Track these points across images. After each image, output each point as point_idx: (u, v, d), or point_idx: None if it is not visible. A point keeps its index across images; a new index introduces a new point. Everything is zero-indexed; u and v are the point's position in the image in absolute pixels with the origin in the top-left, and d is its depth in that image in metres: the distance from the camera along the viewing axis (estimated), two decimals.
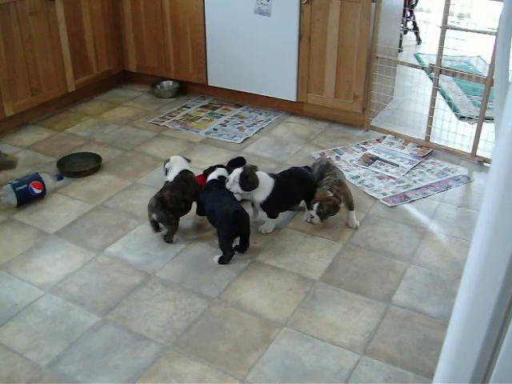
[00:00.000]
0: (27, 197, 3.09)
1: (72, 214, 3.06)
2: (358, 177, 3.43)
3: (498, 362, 1.03)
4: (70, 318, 2.34)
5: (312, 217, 2.88)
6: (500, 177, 0.90)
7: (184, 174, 2.91)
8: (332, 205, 2.84)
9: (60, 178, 3.28)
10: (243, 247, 2.74)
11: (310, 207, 2.90)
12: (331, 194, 2.85)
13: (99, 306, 2.41)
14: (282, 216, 3.02)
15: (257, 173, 2.82)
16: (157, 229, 2.83)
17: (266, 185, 2.82)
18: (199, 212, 2.94)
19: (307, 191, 2.95)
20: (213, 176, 2.89)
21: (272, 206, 2.86)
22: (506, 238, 0.92)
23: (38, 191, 3.12)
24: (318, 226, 2.94)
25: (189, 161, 3.06)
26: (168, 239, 2.82)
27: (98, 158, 3.56)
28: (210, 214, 2.76)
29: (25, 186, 3.07)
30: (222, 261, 2.68)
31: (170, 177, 2.91)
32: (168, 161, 2.98)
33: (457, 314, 1.06)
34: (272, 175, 2.90)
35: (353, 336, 2.27)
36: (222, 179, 2.85)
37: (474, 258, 0.99)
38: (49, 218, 3.02)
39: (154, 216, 2.78)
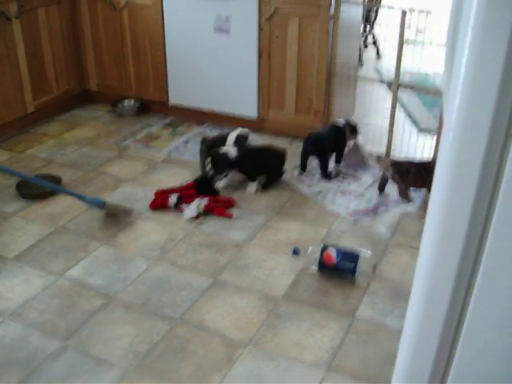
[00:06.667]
0: None
1: (32, 237, 3.01)
2: (321, 192, 3.44)
3: (454, 362, 1.03)
4: (29, 344, 2.29)
5: None
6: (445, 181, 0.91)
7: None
8: None
9: None
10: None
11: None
12: None
13: (59, 332, 2.36)
14: (245, 233, 3.02)
15: None
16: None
17: None
18: None
19: None
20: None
21: None
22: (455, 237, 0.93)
23: None
24: (279, 243, 2.94)
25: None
26: None
27: (58, 179, 3.51)
28: None
29: None
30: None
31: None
32: None
33: (411, 312, 1.05)
34: None
35: (317, 353, 2.26)
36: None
37: (426, 255, 1.00)
38: (8, 242, 2.96)
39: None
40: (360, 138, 3.80)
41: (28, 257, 2.85)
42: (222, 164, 3.36)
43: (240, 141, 3.58)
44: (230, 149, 3.40)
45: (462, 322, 1.00)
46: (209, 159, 3.37)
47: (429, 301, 1.03)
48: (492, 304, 0.97)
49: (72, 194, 3.19)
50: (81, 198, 3.15)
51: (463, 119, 0.86)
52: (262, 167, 3.50)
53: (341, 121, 3.77)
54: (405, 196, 3.32)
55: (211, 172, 3.36)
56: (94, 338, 2.32)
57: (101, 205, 3.12)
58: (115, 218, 3.14)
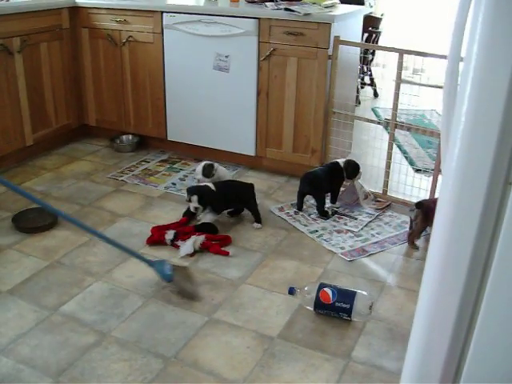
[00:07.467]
0: None
1: (26, 271, 2.99)
2: (317, 231, 3.44)
3: (467, 362, 1.01)
4: (20, 380, 2.25)
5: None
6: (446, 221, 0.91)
7: None
8: None
9: None
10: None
11: None
12: None
13: (51, 368, 2.33)
14: (241, 271, 3.01)
15: None
16: None
17: None
18: None
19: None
20: None
21: None
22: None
23: None
24: (275, 282, 2.93)
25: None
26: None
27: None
28: None
29: None
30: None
31: None
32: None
33: (421, 308, 1.03)
34: None
35: None
36: None
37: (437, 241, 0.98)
38: (2, 275, 2.94)
39: None
40: (360, 179, 3.81)
41: (22, 291, 2.82)
42: (208, 198, 3.36)
43: (206, 169, 3.67)
44: (209, 184, 3.42)
45: (475, 321, 0.98)
46: (195, 197, 3.32)
47: (439, 299, 1.01)
48: (505, 304, 0.96)
49: (138, 257, 2.86)
50: (148, 262, 2.84)
51: (463, 167, 0.87)
52: (234, 198, 3.52)
53: (340, 160, 3.79)
54: (412, 243, 3.30)
55: (199, 208, 3.35)
56: (87, 376, 2.29)
57: (167, 280, 2.83)
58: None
